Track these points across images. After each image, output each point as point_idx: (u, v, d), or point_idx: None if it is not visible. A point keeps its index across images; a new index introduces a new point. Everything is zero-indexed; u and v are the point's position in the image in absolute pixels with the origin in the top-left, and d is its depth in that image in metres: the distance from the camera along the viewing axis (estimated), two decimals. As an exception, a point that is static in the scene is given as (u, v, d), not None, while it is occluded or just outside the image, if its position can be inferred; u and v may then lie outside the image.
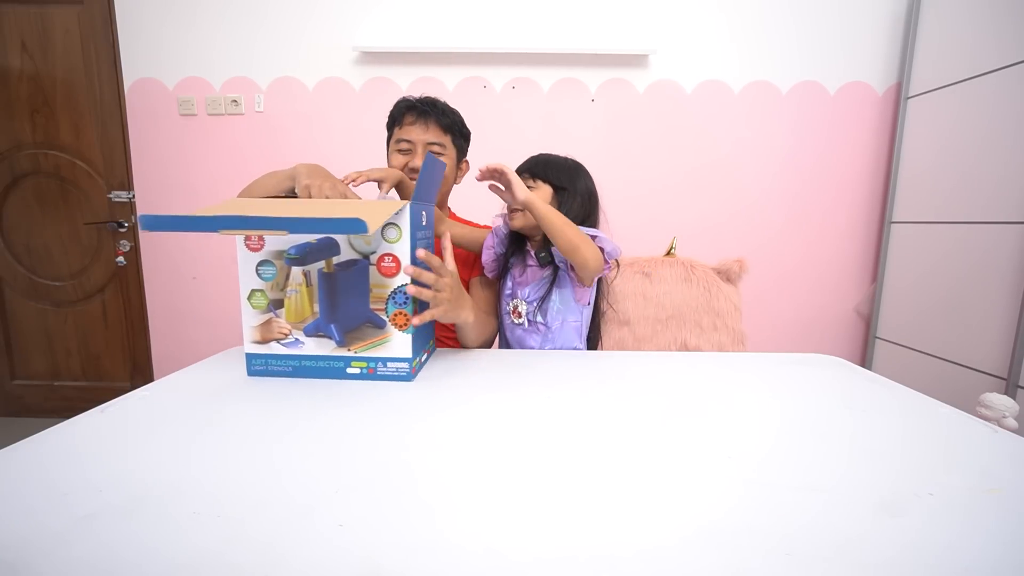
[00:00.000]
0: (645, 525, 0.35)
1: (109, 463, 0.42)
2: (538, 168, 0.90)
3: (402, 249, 0.64)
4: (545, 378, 0.69)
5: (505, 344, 0.98)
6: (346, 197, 0.75)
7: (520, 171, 0.91)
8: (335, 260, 0.65)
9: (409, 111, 0.99)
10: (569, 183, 0.89)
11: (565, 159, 0.93)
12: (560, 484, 0.40)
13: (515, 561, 0.31)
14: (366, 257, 0.65)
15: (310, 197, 0.74)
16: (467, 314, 0.79)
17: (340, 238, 0.64)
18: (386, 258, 0.65)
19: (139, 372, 2.12)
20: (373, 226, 0.54)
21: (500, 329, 0.98)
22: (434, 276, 0.68)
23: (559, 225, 0.80)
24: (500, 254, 0.95)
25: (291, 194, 0.81)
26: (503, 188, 0.82)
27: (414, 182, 0.99)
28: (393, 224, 0.63)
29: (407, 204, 0.63)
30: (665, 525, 0.35)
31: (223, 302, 2.01)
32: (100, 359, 2.12)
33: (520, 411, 0.56)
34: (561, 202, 0.89)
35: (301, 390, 0.62)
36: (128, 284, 2.05)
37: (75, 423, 0.51)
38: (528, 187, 0.87)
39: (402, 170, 0.98)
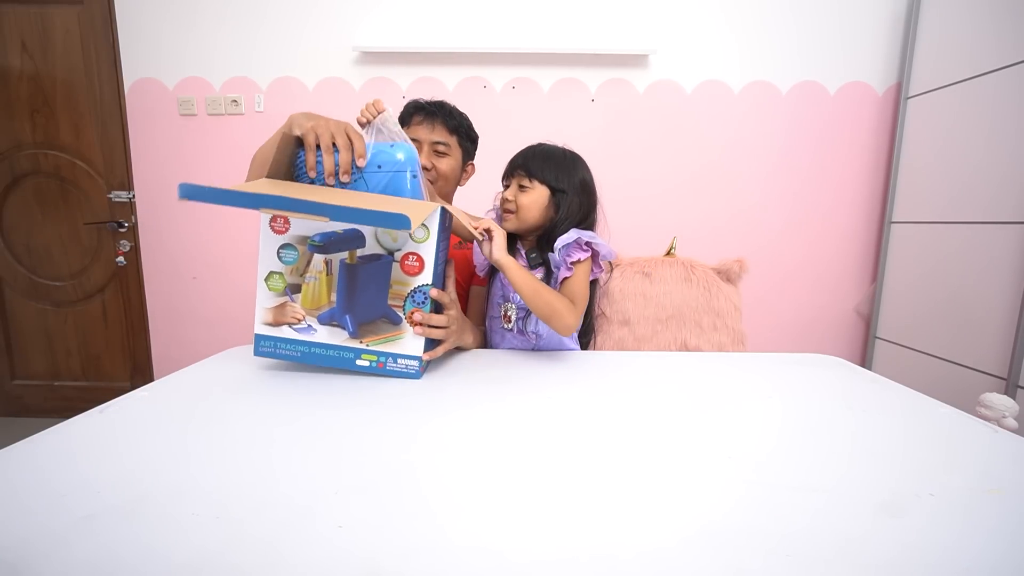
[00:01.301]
0: (646, 526, 0.35)
1: (108, 464, 0.42)
2: (534, 165, 0.85)
3: (428, 250, 0.65)
4: (545, 378, 0.69)
5: (493, 347, 0.94)
6: (348, 135, 0.72)
7: (514, 165, 0.87)
8: (359, 252, 0.65)
9: (417, 111, 1.00)
10: (567, 183, 0.85)
11: (563, 152, 0.89)
12: (560, 485, 0.40)
13: (515, 562, 0.31)
14: (390, 253, 0.65)
15: (316, 138, 0.71)
16: (467, 337, 0.82)
17: (367, 231, 0.64)
18: (410, 256, 0.65)
19: (139, 372, 2.12)
20: (415, 224, 0.55)
21: (489, 335, 0.95)
22: (445, 319, 0.71)
23: (530, 294, 0.77)
24: None
25: (287, 148, 0.76)
26: (487, 238, 0.79)
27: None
28: (422, 224, 0.64)
29: (439, 207, 0.65)
30: (665, 526, 0.35)
31: (223, 302, 2.01)
32: (100, 359, 2.12)
33: (520, 411, 0.56)
34: (559, 204, 0.85)
35: (301, 389, 0.62)
36: (128, 284, 2.05)
37: (74, 423, 0.51)
38: (523, 187, 0.85)
39: None
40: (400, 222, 0.55)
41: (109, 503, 0.36)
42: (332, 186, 0.68)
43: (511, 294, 0.89)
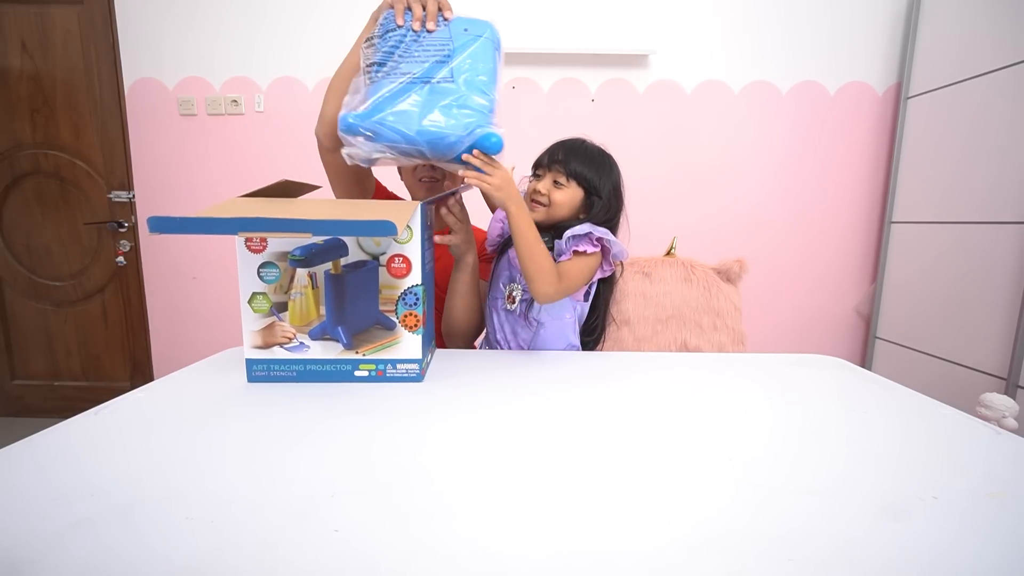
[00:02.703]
0: (645, 527, 0.34)
1: (104, 466, 0.42)
2: (575, 164, 0.84)
3: (413, 250, 0.64)
4: (545, 379, 0.69)
5: (493, 333, 0.93)
6: (442, 8, 0.74)
7: (553, 159, 0.85)
8: (343, 261, 0.64)
9: None
10: (602, 188, 0.85)
11: (601, 153, 0.88)
12: (559, 486, 0.40)
13: (513, 564, 0.31)
14: (375, 258, 0.64)
15: (408, 6, 0.72)
16: (470, 258, 0.86)
17: (348, 239, 0.63)
18: (396, 259, 0.64)
19: (139, 372, 2.12)
20: (401, 228, 0.55)
21: (489, 316, 0.93)
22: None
23: (531, 241, 0.76)
24: (507, 232, 0.89)
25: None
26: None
27: (423, 180, 0.96)
28: (406, 225, 0.63)
29: (419, 205, 0.64)
30: (665, 527, 0.34)
31: (223, 302, 2.01)
32: (100, 359, 2.12)
33: (518, 412, 0.56)
34: (590, 207, 0.85)
35: (299, 392, 0.62)
36: (128, 284, 2.05)
37: (71, 425, 0.50)
38: (558, 184, 0.83)
39: (414, 171, 0.96)
40: (385, 228, 0.54)
41: (105, 505, 0.36)
42: (417, 33, 0.70)
43: (518, 275, 0.87)
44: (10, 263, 2.04)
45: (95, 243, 2.03)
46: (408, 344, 0.66)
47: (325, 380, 0.65)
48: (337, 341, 0.65)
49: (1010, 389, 1.38)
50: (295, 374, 0.65)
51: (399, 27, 0.70)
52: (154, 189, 1.95)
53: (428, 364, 0.72)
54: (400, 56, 0.70)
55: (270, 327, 0.65)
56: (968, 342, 1.54)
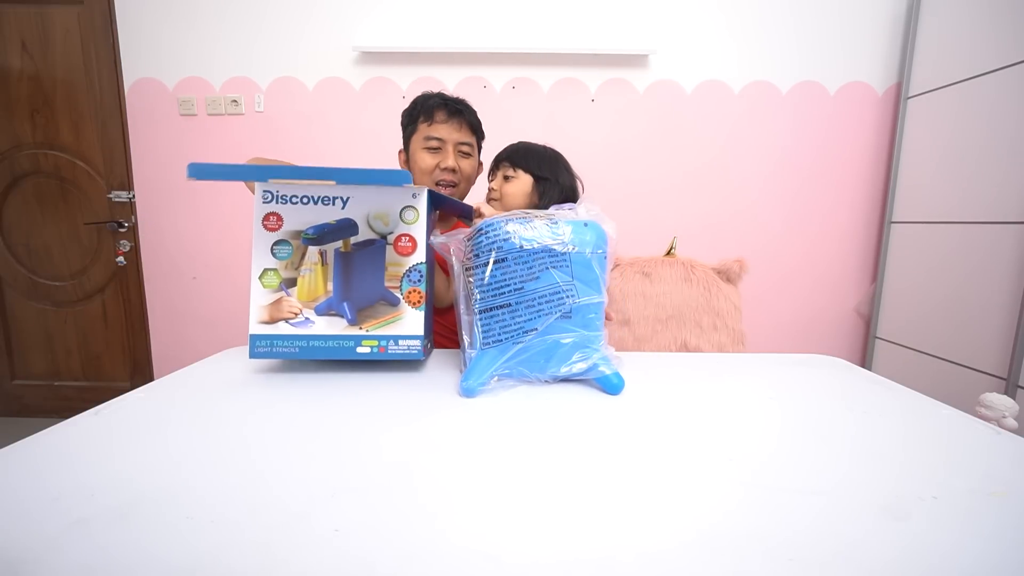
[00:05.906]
0: (645, 528, 0.34)
1: (103, 466, 0.42)
2: (518, 156, 0.90)
3: (419, 230, 0.68)
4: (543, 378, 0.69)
5: None
6: None
7: (499, 159, 0.91)
8: (352, 240, 0.67)
9: (440, 108, 0.94)
10: (550, 172, 0.89)
11: (544, 148, 0.93)
12: (558, 486, 0.40)
13: (513, 565, 0.31)
14: (383, 237, 0.68)
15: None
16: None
17: (359, 219, 0.67)
18: (403, 238, 0.68)
19: (139, 372, 2.12)
20: (415, 181, 0.61)
21: None
22: None
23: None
24: None
25: None
26: None
27: (440, 184, 0.96)
28: (411, 207, 0.67)
29: (425, 189, 0.68)
30: (665, 528, 0.34)
31: (223, 302, 2.01)
32: (100, 359, 2.12)
33: (517, 412, 0.56)
34: (542, 192, 0.89)
35: (298, 390, 0.62)
36: (128, 284, 2.05)
37: (70, 425, 0.50)
38: (508, 176, 0.89)
39: (432, 171, 0.96)
40: (401, 177, 0.60)
41: (104, 505, 0.36)
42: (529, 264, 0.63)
43: None
44: (10, 263, 2.04)
45: (95, 243, 2.03)
46: (411, 320, 0.67)
47: (327, 356, 0.67)
48: (342, 316, 0.67)
49: (1010, 389, 1.38)
50: (297, 350, 0.67)
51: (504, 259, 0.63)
52: (154, 189, 1.95)
53: (430, 349, 0.75)
54: (514, 295, 0.63)
55: (277, 302, 0.67)
56: (968, 342, 1.54)
